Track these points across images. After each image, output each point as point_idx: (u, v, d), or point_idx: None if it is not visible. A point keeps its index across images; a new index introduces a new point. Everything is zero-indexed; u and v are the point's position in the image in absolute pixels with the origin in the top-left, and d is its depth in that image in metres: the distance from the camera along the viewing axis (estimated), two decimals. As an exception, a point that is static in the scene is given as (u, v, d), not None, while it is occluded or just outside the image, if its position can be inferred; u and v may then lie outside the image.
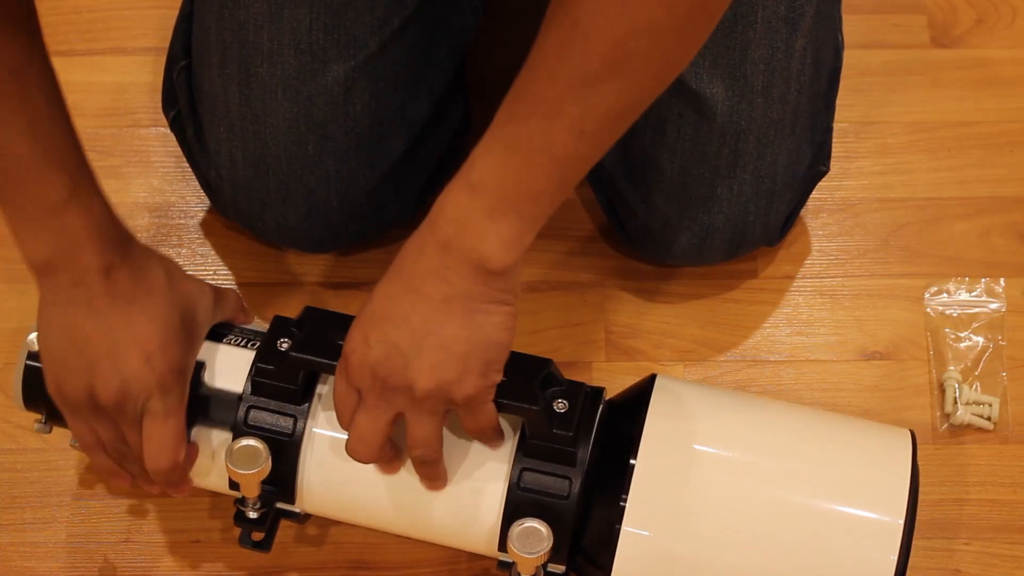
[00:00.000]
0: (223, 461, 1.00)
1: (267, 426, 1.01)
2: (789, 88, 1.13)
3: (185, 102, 1.20)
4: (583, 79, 0.85)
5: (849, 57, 1.23)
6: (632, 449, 0.99)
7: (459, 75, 1.22)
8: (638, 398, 1.02)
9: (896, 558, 0.97)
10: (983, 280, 1.26)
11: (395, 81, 1.14)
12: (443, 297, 0.92)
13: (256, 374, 1.01)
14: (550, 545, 0.98)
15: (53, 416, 1.05)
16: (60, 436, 1.19)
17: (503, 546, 1.00)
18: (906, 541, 0.97)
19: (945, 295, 1.26)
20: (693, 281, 1.26)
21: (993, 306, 1.25)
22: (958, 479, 1.19)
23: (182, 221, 1.29)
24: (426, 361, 0.93)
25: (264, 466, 0.99)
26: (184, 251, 1.28)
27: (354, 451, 0.98)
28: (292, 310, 1.24)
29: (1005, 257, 1.28)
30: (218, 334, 1.05)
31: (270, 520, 1.05)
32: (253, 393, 1.01)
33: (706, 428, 1.01)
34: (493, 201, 0.90)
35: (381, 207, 1.19)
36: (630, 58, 0.84)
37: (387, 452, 0.98)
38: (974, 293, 1.26)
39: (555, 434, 0.98)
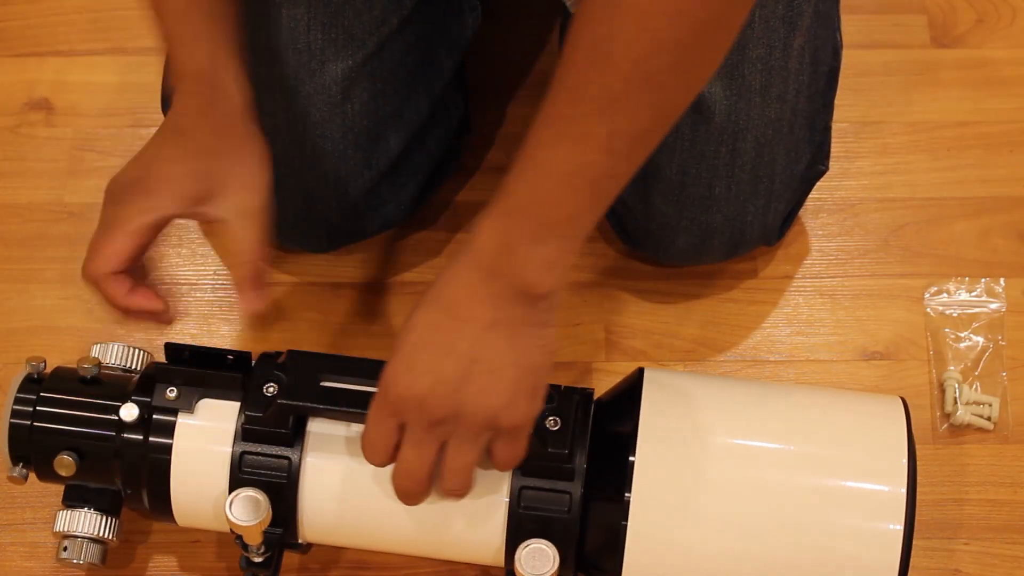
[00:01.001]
0: (223, 511, 1.00)
1: (263, 471, 1.01)
2: (787, 87, 1.13)
3: (183, 102, 1.19)
4: (609, 99, 0.85)
5: (849, 57, 1.23)
6: (630, 447, 0.99)
7: (459, 75, 1.22)
8: (629, 394, 1.02)
9: (902, 527, 0.97)
10: (983, 280, 1.26)
11: (393, 81, 1.14)
12: (488, 323, 0.92)
13: (246, 422, 1.01)
14: (556, 565, 0.98)
15: (42, 466, 1.05)
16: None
17: (510, 562, 1.01)
18: (910, 510, 0.97)
19: (945, 295, 1.26)
20: (693, 281, 1.26)
21: (993, 306, 1.25)
22: (958, 479, 1.19)
23: (182, 221, 1.28)
24: (475, 388, 0.92)
25: (265, 516, 0.99)
26: (184, 251, 1.28)
27: (403, 489, 0.97)
28: (291, 310, 1.25)
29: (1005, 257, 1.28)
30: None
31: (276, 558, 1.05)
32: (244, 439, 1.01)
33: (701, 417, 1.01)
34: (532, 226, 0.90)
35: (379, 207, 1.19)
36: (653, 75, 0.84)
37: (430, 485, 0.97)
38: (974, 293, 1.26)
39: (551, 453, 0.98)
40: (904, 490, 0.97)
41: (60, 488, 1.07)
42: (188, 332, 1.24)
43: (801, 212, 1.27)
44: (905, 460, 0.98)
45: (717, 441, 1.00)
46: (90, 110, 1.34)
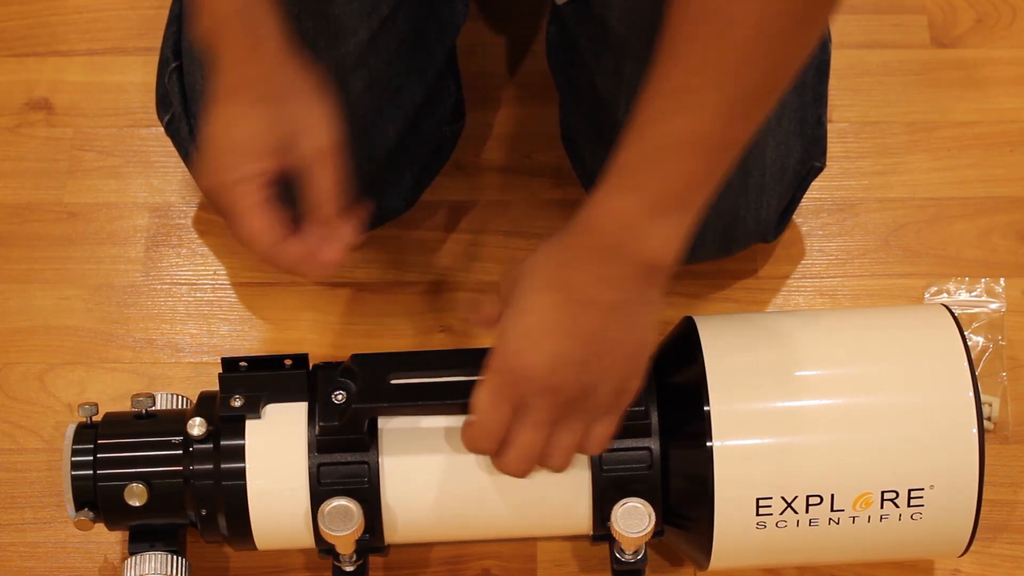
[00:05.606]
0: (308, 525, 1.01)
1: (343, 479, 1.01)
2: None
3: (179, 103, 1.19)
4: (725, 68, 0.85)
5: (849, 57, 1.23)
6: (701, 395, 1.00)
7: (450, 60, 1.22)
8: (685, 344, 1.04)
9: (976, 431, 1.00)
10: (983, 280, 1.26)
11: (387, 69, 1.14)
12: (610, 304, 0.92)
13: (320, 433, 1.00)
14: (653, 523, 1.00)
15: (109, 508, 1.04)
16: (57, 436, 1.19)
17: (599, 527, 1.02)
18: (978, 409, 1.00)
19: (945, 295, 1.26)
20: (693, 281, 1.26)
21: (993, 306, 1.25)
22: (958, 479, 1.19)
23: (182, 221, 1.29)
24: (598, 367, 0.93)
25: (359, 523, 1.00)
26: (184, 251, 1.28)
27: (515, 468, 0.97)
28: (291, 310, 1.25)
29: (1005, 257, 1.27)
30: None
31: (365, 565, 1.06)
32: (320, 451, 1.01)
33: (763, 355, 1.03)
34: (652, 200, 0.90)
35: (377, 198, 1.19)
36: (767, 40, 0.85)
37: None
38: (974, 293, 1.26)
39: (629, 411, 0.99)
40: (971, 393, 1.00)
41: (60, 491, 1.07)
42: (188, 332, 1.24)
43: (801, 212, 1.27)
44: (966, 364, 1.01)
45: (784, 375, 1.02)
46: (90, 110, 1.34)
